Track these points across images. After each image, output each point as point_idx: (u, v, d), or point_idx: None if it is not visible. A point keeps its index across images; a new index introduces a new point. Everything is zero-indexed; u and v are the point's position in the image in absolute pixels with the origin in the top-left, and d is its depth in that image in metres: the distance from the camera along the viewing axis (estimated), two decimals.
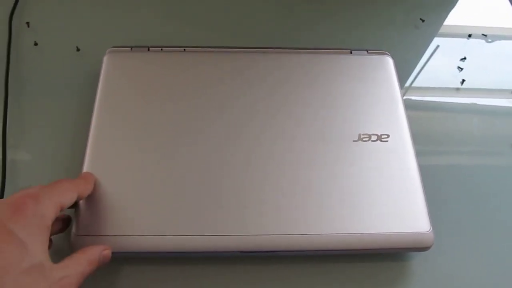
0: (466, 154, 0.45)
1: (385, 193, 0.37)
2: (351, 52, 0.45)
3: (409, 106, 0.43)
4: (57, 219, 0.34)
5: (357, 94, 0.42)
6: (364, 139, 0.39)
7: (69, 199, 0.32)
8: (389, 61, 0.44)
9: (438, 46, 0.52)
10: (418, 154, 0.39)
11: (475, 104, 0.49)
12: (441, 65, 0.50)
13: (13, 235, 0.27)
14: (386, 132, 0.40)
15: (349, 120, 0.40)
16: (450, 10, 0.54)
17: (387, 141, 0.39)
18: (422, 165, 0.39)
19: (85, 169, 0.36)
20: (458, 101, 0.49)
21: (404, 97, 0.43)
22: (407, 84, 0.48)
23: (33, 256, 0.27)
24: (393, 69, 0.44)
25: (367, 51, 0.45)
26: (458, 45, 0.52)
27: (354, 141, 0.39)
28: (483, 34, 0.52)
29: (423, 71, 0.50)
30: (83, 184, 0.34)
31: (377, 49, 0.45)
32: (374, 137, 0.39)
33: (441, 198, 0.41)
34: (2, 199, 0.36)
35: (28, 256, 0.27)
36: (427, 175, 0.38)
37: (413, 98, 0.48)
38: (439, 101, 0.48)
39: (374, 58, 0.44)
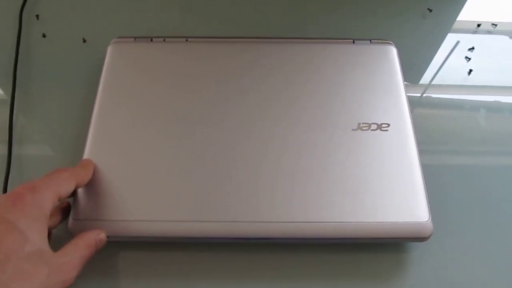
0: (468, 148, 0.44)
1: (383, 182, 0.36)
2: (353, 42, 0.44)
3: (412, 96, 0.42)
4: (56, 210, 0.34)
5: (359, 84, 0.41)
6: (363, 128, 0.39)
7: (67, 189, 0.32)
8: (392, 51, 0.44)
9: (445, 36, 0.51)
10: (420, 145, 0.38)
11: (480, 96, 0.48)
12: (448, 55, 0.49)
13: (12, 225, 0.28)
14: (386, 122, 0.39)
15: (349, 109, 0.40)
16: (459, 1, 0.53)
17: (387, 130, 0.39)
18: (423, 153, 0.38)
19: (85, 155, 0.37)
20: (466, 93, 0.48)
21: (407, 86, 0.42)
22: (412, 73, 0.47)
23: (32, 244, 0.28)
24: (397, 58, 0.43)
25: (370, 40, 0.44)
26: (467, 35, 0.51)
27: (353, 130, 0.39)
28: (493, 24, 0.51)
29: (428, 61, 0.49)
30: (82, 172, 0.35)
31: (380, 39, 0.44)
32: (374, 126, 0.39)
33: (443, 192, 0.40)
34: (2, 194, 0.37)
35: (28, 244, 0.28)
36: (429, 167, 0.38)
37: (417, 88, 0.47)
38: (446, 85, 0.48)
39: (377, 47, 0.44)
